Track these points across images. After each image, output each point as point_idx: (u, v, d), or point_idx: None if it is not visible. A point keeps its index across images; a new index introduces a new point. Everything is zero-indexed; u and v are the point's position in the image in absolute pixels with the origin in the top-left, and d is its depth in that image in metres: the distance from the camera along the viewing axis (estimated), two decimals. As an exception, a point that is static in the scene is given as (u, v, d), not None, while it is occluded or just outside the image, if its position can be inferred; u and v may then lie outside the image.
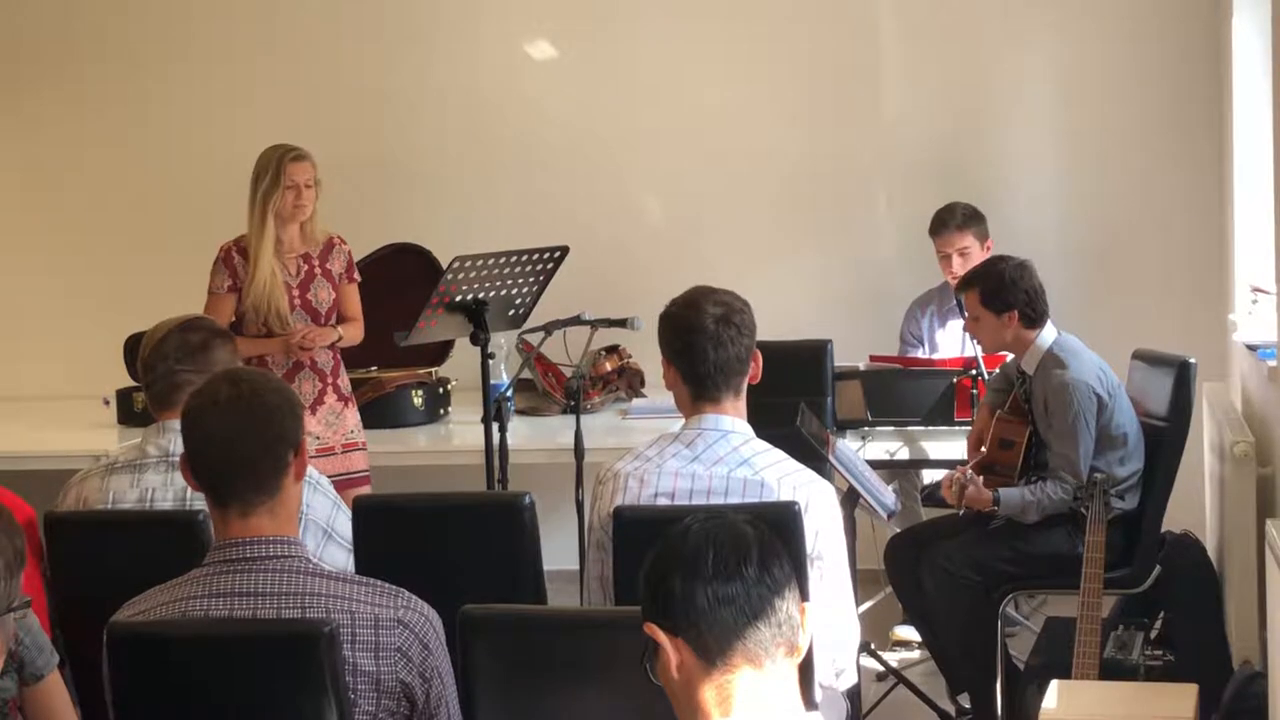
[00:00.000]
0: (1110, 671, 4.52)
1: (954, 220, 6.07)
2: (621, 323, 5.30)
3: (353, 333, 5.52)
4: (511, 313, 5.38)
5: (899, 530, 5.52)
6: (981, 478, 4.91)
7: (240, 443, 2.84)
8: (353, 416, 5.54)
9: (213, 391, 2.90)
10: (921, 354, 6.17)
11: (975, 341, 5.28)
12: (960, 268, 5.95)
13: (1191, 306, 6.53)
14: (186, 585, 2.87)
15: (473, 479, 5.36)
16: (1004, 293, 4.95)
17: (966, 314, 5.14)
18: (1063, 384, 4.85)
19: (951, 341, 6.15)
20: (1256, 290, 5.67)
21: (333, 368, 5.49)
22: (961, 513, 4.94)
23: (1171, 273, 6.65)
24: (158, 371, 3.77)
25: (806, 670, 3.24)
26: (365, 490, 5.42)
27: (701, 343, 3.53)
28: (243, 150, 7.05)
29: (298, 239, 5.44)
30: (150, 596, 2.90)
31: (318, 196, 5.44)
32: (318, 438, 5.38)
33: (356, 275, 5.57)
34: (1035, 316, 4.96)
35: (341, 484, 5.30)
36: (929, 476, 6.11)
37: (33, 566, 3.72)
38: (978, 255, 5.95)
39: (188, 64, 7.18)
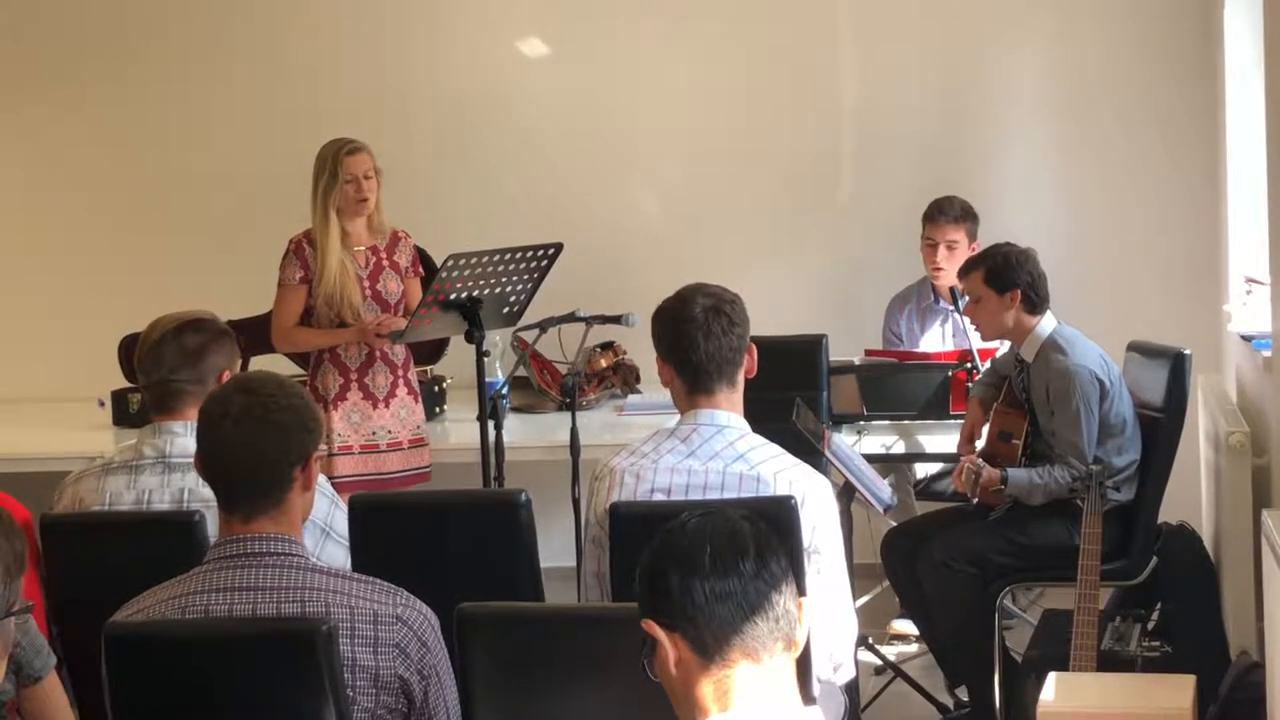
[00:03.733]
0: (1108, 663, 4.53)
1: (952, 212, 6.06)
2: (616, 319, 5.30)
3: None
4: (506, 310, 5.38)
5: (895, 524, 5.52)
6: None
7: (245, 456, 2.87)
8: (420, 411, 5.54)
9: (226, 400, 2.93)
10: (904, 351, 6.17)
11: (974, 327, 5.27)
12: (945, 260, 5.96)
13: (1186, 298, 6.54)
14: (187, 582, 2.88)
15: (469, 477, 5.36)
16: (1008, 272, 4.96)
17: (967, 298, 5.14)
18: (1065, 370, 4.85)
19: (933, 342, 6.15)
20: (1251, 281, 5.68)
21: (404, 360, 5.49)
22: (975, 501, 4.94)
23: (1166, 264, 6.65)
24: (153, 379, 3.76)
25: (804, 665, 3.24)
26: (427, 485, 5.45)
27: (692, 332, 3.54)
28: (235, 152, 7.09)
29: (365, 232, 5.43)
30: (151, 595, 2.91)
31: (379, 186, 5.42)
32: (390, 431, 5.40)
33: (420, 270, 5.56)
34: (1037, 301, 4.97)
35: (407, 479, 5.37)
36: (922, 470, 6.11)
37: (29, 567, 3.71)
38: (964, 252, 5.94)
39: (185, 65, 7.17)
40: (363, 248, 5.42)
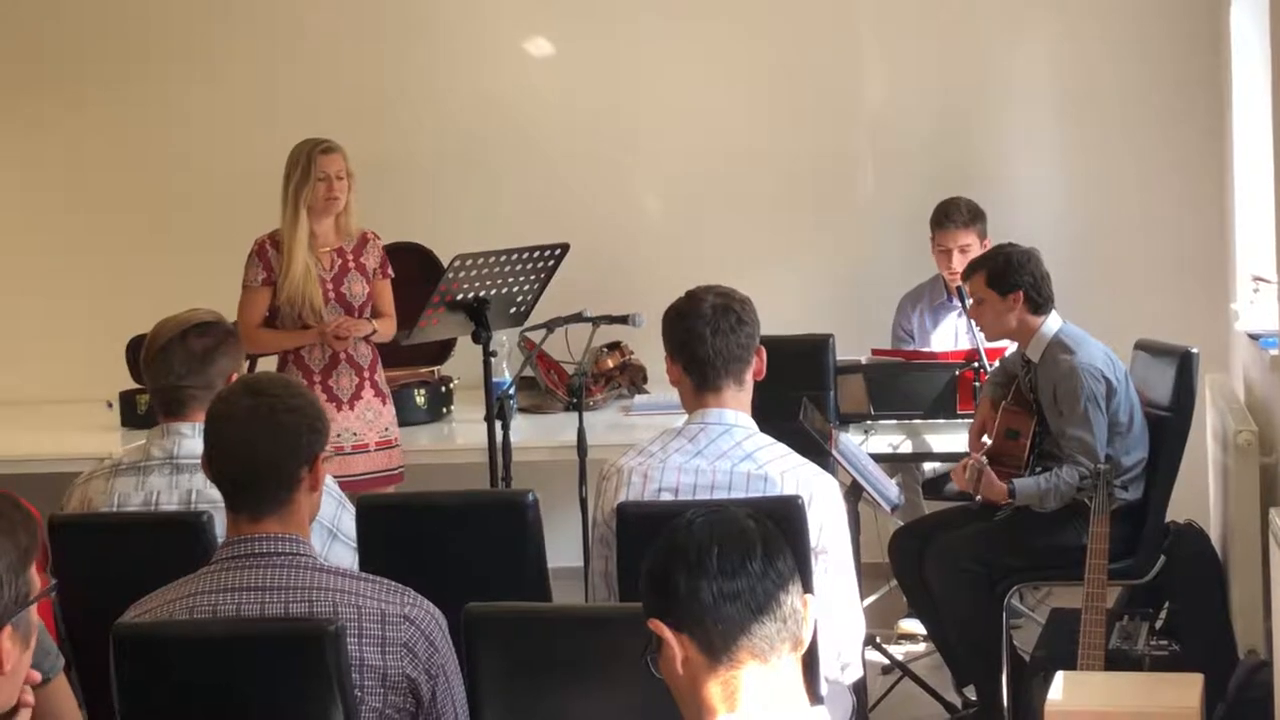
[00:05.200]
0: (1115, 662, 4.52)
1: (961, 217, 6.04)
2: (623, 319, 5.30)
3: (386, 328, 5.49)
4: (513, 311, 5.38)
5: (902, 523, 5.52)
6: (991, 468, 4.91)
7: (252, 457, 2.88)
8: (389, 413, 5.53)
9: (233, 401, 2.94)
10: (912, 349, 6.17)
11: (978, 329, 5.27)
12: (960, 265, 5.93)
13: (1193, 296, 6.53)
14: (194, 582, 2.89)
15: (476, 477, 5.36)
16: (1010, 274, 4.96)
17: (970, 299, 5.14)
18: (1071, 369, 4.85)
19: (945, 338, 6.14)
20: (1258, 279, 5.67)
21: (370, 363, 5.48)
22: (978, 499, 4.93)
23: (1173, 263, 6.65)
24: (161, 384, 3.75)
25: (812, 664, 3.25)
26: (395, 488, 5.43)
27: (700, 328, 3.55)
28: (243, 150, 7.09)
29: (332, 233, 5.43)
30: (159, 595, 2.92)
31: (351, 189, 5.43)
32: (355, 434, 5.38)
33: (390, 271, 5.56)
34: (1040, 302, 4.97)
35: (375, 481, 5.34)
36: (930, 469, 6.11)
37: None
38: (977, 253, 5.93)
39: (189, 65, 7.18)
40: (329, 249, 5.41)
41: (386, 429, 5.51)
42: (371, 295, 5.48)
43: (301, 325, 5.37)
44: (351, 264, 5.45)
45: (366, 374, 5.45)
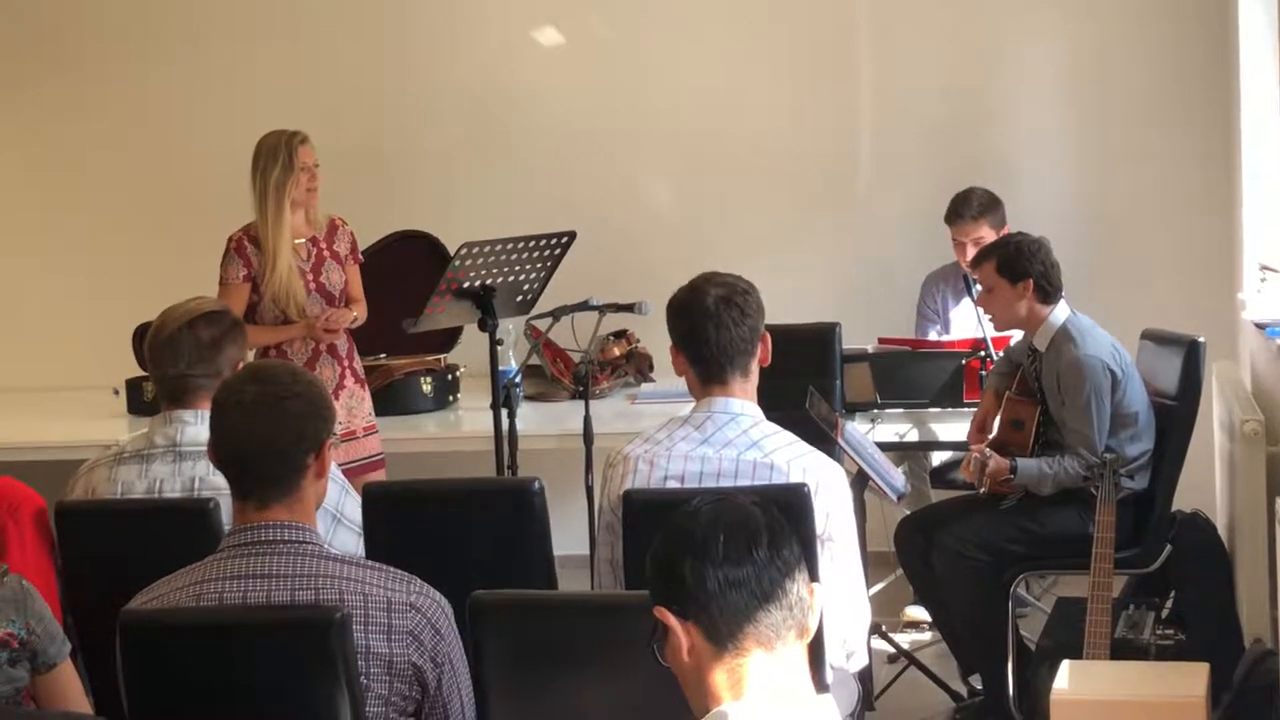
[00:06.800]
0: (1121, 651, 4.52)
1: (970, 210, 6.04)
2: (629, 307, 5.30)
3: (362, 313, 5.51)
4: (519, 299, 5.38)
5: (909, 512, 5.52)
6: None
7: (258, 444, 2.88)
8: (368, 399, 5.54)
9: (239, 388, 2.94)
10: (938, 330, 6.17)
11: (988, 317, 5.26)
12: None
13: (1200, 285, 6.52)
14: (201, 570, 2.89)
15: (482, 465, 5.36)
16: (1020, 263, 4.95)
17: (980, 287, 5.14)
18: (1076, 361, 4.85)
19: (964, 318, 6.14)
20: (1265, 268, 5.67)
21: (348, 351, 5.48)
22: (983, 492, 4.93)
23: (1180, 252, 6.64)
24: (168, 373, 3.73)
25: (817, 652, 3.25)
26: (382, 472, 5.44)
27: (703, 324, 3.55)
28: (245, 139, 7.04)
29: (303, 224, 5.41)
30: (165, 583, 2.92)
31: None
32: (341, 423, 5.36)
33: (360, 256, 5.56)
34: (1050, 291, 4.96)
35: (362, 468, 5.35)
36: (938, 458, 6.11)
37: (45, 556, 3.73)
38: None
39: (189, 53, 7.18)
40: (303, 240, 5.40)
41: (369, 414, 5.52)
42: (345, 282, 5.48)
43: (283, 320, 5.35)
44: (326, 253, 5.44)
45: (345, 362, 5.46)
